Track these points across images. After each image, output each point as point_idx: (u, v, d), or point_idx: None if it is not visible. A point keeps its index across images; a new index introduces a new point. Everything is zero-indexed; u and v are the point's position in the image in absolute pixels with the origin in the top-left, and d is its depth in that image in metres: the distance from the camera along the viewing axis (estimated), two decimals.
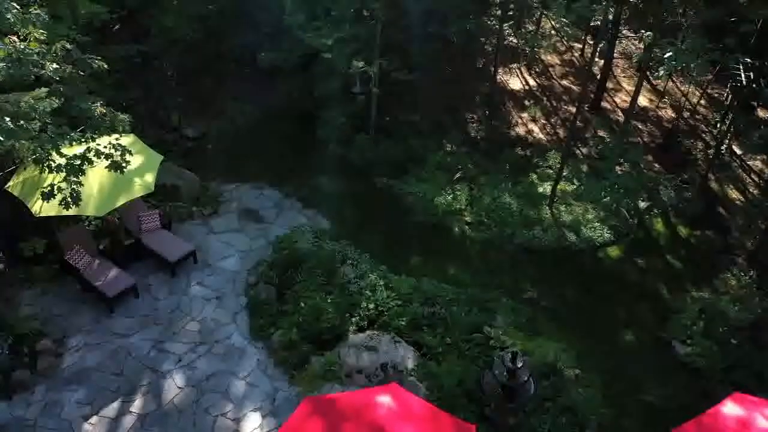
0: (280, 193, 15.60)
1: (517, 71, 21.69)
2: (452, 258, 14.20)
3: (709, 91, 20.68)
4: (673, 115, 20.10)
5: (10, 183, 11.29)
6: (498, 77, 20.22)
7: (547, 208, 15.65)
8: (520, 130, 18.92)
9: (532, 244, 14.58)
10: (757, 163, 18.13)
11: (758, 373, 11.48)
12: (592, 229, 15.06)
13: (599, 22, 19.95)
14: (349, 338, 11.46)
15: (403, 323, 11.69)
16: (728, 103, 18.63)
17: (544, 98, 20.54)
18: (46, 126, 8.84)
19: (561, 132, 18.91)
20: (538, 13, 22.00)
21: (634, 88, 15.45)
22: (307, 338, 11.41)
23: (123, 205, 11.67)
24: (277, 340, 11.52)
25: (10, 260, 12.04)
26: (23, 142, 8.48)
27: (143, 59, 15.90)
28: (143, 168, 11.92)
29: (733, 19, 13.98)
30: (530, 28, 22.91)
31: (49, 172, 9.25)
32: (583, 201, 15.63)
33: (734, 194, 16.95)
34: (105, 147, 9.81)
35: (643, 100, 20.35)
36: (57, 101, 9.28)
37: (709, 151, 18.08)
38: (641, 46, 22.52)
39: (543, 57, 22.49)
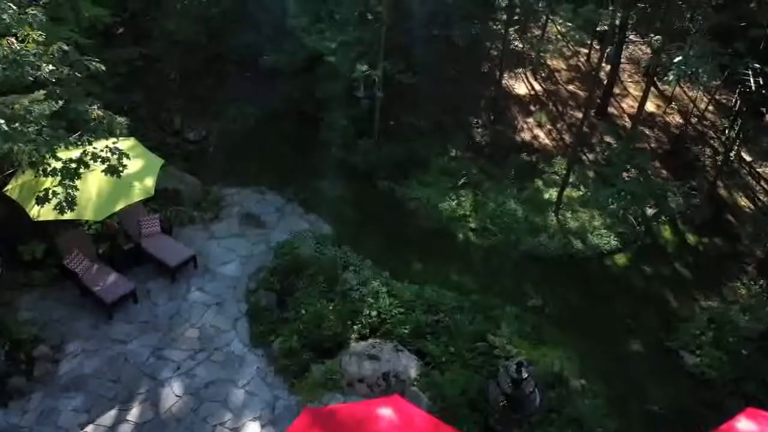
0: (282, 198, 15.41)
1: (523, 76, 21.49)
2: (456, 265, 13.98)
3: (717, 96, 20.44)
4: (680, 120, 19.85)
5: (9, 186, 11.19)
6: (503, 81, 20.04)
7: (553, 214, 15.41)
8: (526, 136, 18.71)
9: (537, 251, 14.35)
10: (766, 170, 17.87)
11: None
12: (599, 236, 14.82)
13: (606, 27, 19.74)
14: (350, 346, 11.27)
15: (405, 331, 11.49)
16: (737, 108, 18.37)
17: (550, 103, 20.34)
18: (42, 129, 8.69)
19: (567, 137, 18.70)
20: (544, 18, 21.83)
21: (641, 94, 15.28)
22: (308, 346, 11.22)
23: (122, 209, 11.53)
24: (278, 348, 11.33)
25: (9, 264, 11.88)
26: (20, 145, 8.34)
27: (145, 62, 15.82)
28: (143, 172, 11.79)
29: (742, 24, 13.80)
30: (536, 33, 22.74)
31: (44, 176, 9.11)
32: (590, 207, 15.44)
33: (743, 201, 16.71)
34: (102, 151, 9.67)
35: (650, 106, 20.10)
36: (56, 104, 9.17)
37: (717, 158, 17.85)
38: (648, 51, 22.35)
39: (549, 62, 22.29)
